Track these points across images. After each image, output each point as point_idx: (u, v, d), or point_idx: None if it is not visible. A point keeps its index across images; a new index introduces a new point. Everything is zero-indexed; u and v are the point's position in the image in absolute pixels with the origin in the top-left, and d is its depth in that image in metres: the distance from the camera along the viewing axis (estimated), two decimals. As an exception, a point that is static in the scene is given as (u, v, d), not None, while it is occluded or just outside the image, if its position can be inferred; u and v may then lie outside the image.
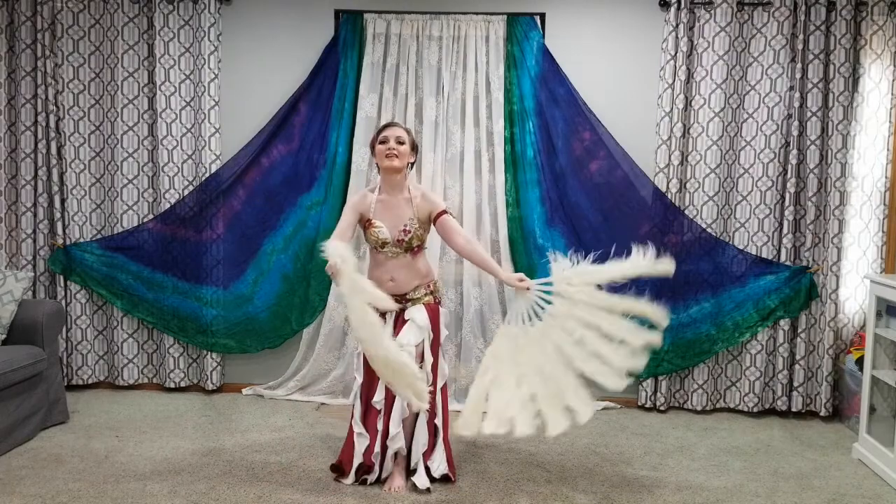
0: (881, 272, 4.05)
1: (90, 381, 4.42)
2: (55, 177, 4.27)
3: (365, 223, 3.18)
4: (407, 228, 3.12)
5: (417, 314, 3.13)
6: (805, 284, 4.08)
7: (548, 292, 3.01)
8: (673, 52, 4.06)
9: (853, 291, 4.14)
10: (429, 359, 3.11)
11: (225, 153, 4.30)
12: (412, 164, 3.26)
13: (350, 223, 3.17)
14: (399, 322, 3.14)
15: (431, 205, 3.17)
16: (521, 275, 3.15)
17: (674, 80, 4.07)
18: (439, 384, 3.20)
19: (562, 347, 2.91)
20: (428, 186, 4.22)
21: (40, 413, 3.68)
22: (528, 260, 4.20)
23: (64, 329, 4.28)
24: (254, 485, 3.15)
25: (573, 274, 2.96)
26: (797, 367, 4.14)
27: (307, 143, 4.25)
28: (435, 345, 3.18)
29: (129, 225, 4.32)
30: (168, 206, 4.27)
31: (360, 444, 3.15)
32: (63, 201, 4.31)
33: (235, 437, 3.69)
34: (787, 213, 4.06)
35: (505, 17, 4.16)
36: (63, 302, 4.30)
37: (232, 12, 4.29)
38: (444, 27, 4.18)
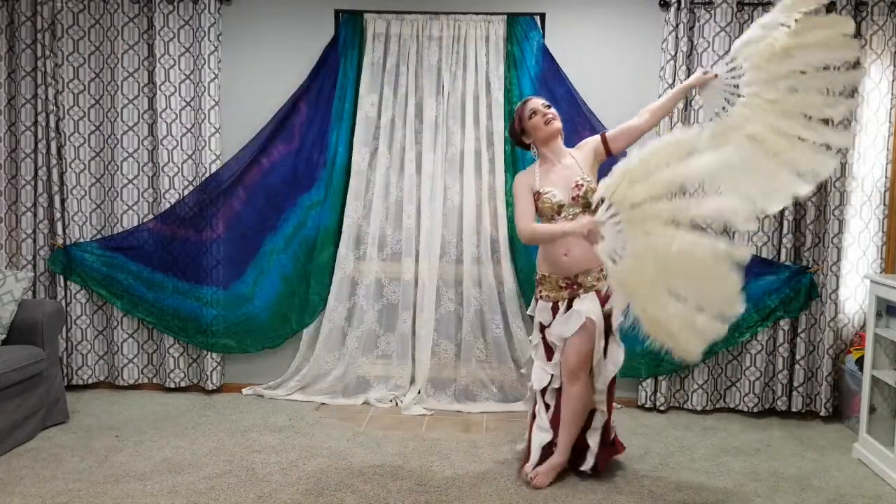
0: (881, 272, 4.05)
1: (90, 381, 4.42)
2: (55, 177, 4.27)
3: (535, 197, 3.14)
4: (580, 183, 3.07)
5: (586, 304, 3.06)
6: (805, 284, 4.08)
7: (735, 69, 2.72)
8: (673, 52, 4.06)
9: (853, 291, 4.14)
10: (598, 352, 3.07)
11: (225, 153, 4.30)
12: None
13: (530, 201, 3.14)
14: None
15: (589, 145, 3.17)
16: (703, 68, 3.01)
17: (674, 81, 4.06)
18: (608, 373, 3.15)
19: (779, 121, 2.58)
20: (428, 186, 4.22)
21: (40, 413, 3.67)
22: (527, 260, 4.20)
23: (64, 329, 4.28)
24: (254, 485, 3.15)
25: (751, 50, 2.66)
26: (797, 367, 4.14)
27: (307, 143, 4.25)
28: (606, 335, 3.10)
29: (129, 225, 4.32)
30: (168, 206, 4.27)
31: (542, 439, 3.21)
32: (63, 201, 4.31)
33: (235, 437, 3.69)
34: (787, 213, 4.06)
35: (505, 17, 4.16)
36: (63, 302, 4.30)
37: (232, 12, 4.29)
38: (444, 27, 4.18)
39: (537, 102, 3.19)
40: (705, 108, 2.90)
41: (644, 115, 3.13)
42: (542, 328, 3.21)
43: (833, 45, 2.57)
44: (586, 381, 3.12)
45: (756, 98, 2.65)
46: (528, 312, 3.39)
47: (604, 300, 3.10)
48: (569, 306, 3.12)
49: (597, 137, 3.20)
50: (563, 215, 3.08)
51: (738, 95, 2.72)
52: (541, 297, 3.21)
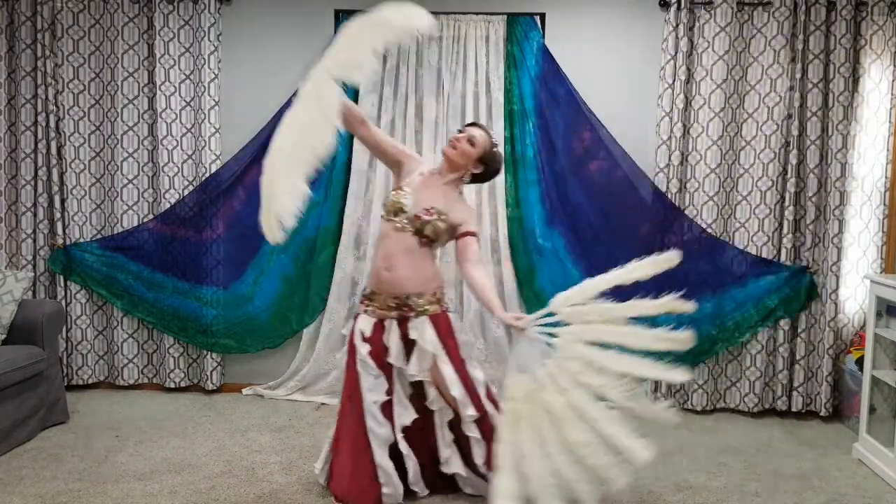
0: (881, 272, 4.05)
1: (90, 381, 4.42)
2: (55, 177, 4.26)
3: (395, 182, 3.00)
4: (432, 212, 2.85)
5: (424, 333, 2.86)
6: (805, 284, 4.08)
7: (550, 324, 2.66)
8: (673, 52, 4.06)
9: (853, 291, 4.14)
10: (451, 376, 2.84)
11: (225, 153, 4.29)
12: (476, 177, 3.03)
13: (392, 143, 3.06)
14: (405, 339, 2.89)
15: (465, 218, 2.94)
16: (518, 314, 2.93)
17: (674, 80, 4.06)
18: (481, 393, 2.92)
19: (581, 382, 2.56)
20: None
21: (40, 413, 3.67)
22: (527, 260, 4.20)
23: (64, 329, 4.28)
24: (254, 485, 3.15)
25: (573, 293, 2.67)
26: (797, 367, 4.14)
27: (307, 143, 4.24)
28: (455, 356, 2.90)
29: (129, 225, 4.32)
30: (168, 206, 4.27)
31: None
32: (63, 201, 4.31)
33: (235, 437, 3.69)
34: (787, 213, 4.06)
35: (505, 17, 4.16)
36: (63, 302, 4.29)
37: (232, 12, 4.29)
38: (444, 27, 4.17)
39: (473, 132, 2.96)
40: (512, 357, 2.76)
41: (481, 279, 2.88)
42: (363, 339, 2.90)
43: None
44: None
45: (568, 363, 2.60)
46: (342, 331, 3.10)
47: (441, 324, 2.90)
48: (401, 331, 2.88)
49: (471, 225, 2.95)
50: (396, 219, 2.87)
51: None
52: (365, 311, 2.94)
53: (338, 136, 4.17)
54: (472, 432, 2.89)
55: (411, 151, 3.16)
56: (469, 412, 2.87)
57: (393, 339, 2.88)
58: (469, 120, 4.17)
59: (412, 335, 2.86)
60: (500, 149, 3.18)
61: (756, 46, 4.07)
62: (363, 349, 2.88)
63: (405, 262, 2.86)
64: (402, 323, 2.89)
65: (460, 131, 3.01)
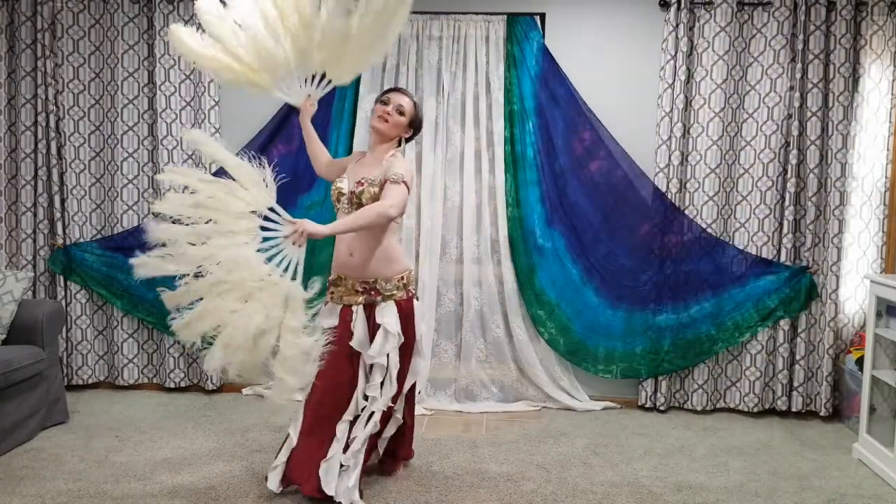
0: (881, 272, 4.05)
1: (90, 381, 4.42)
2: (55, 177, 4.26)
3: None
4: (362, 182, 2.87)
5: (388, 318, 2.89)
6: (805, 284, 4.08)
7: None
8: (673, 52, 4.06)
9: (853, 291, 4.14)
10: (395, 365, 2.90)
11: (225, 153, 4.29)
12: (407, 139, 3.06)
13: (332, 162, 3.17)
14: (371, 322, 2.90)
15: (390, 169, 2.86)
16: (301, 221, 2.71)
17: (674, 80, 4.06)
18: (406, 384, 3.04)
19: None
20: (428, 186, 4.22)
21: (40, 413, 3.67)
22: (527, 260, 4.20)
23: (64, 329, 4.28)
24: (254, 485, 3.15)
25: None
26: (797, 367, 4.14)
27: (307, 143, 4.24)
28: (407, 348, 2.95)
29: (129, 225, 4.32)
30: (168, 206, 4.26)
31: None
32: (63, 201, 4.31)
33: (235, 437, 3.69)
34: (787, 213, 4.06)
35: (505, 17, 4.16)
36: (63, 302, 4.29)
37: (232, 12, 4.29)
38: (444, 27, 4.17)
39: (398, 99, 2.94)
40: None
41: (361, 211, 2.80)
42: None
43: None
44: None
45: None
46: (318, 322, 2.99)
47: (405, 311, 2.94)
48: (367, 313, 2.90)
49: (396, 174, 2.83)
50: (340, 205, 2.94)
51: None
52: (331, 298, 2.97)
53: (338, 137, 4.23)
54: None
55: (347, 158, 3.22)
56: (371, 392, 2.90)
57: (359, 323, 2.89)
58: (468, 119, 4.17)
59: (378, 318, 2.89)
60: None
61: (756, 46, 4.07)
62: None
63: (364, 244, 2.88)
64: (369, 307, 2.91)
65: (384, 102, 2.95)
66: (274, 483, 2.97)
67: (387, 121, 2.93)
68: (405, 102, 2.97)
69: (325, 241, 4.25)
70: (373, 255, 2.90)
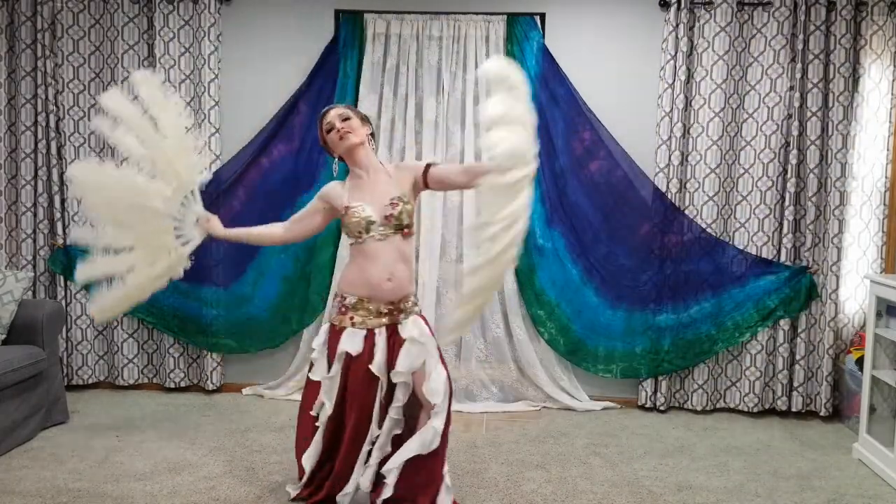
0: (881, 272, 4.05)
1: (90, 381, 4.42)
2: (55, 177, 4.26)
3: (343, 211, 2.79)
4: (395, 202, 2.74)
5: (415, 330, 2.76)
6: (805, 284, 4.08)
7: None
8: (673, 52, 4.06)
9: (853, 291, 4.14)
10: (440, 374, 2.73)
11: (225, 153, 4.29)
12: (372, 135, 2.90)
13: (312, 209, 2.93)
14: (395, 344, 2.76)
15: (411, 170, 2.83)
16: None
17: (674, 80, 4.06)
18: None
19: None
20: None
21: (40, 413, 3.67)
22: (527, 259, 4.20)
23: (64, 329, 4.28)
24: (254, 485, 3.15)
25: None
26: (797, 367, 4.14)
27: (307, 143, 4.24)
28: (441, 357, 2.81)
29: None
30: (168, 206, 4.27)
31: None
32: (63, 201, 4.31)
33: (235, 437, 3.69)
34: (787, 213, 4.06)
35: (505, 17, 4.16)
36: (63, 302, 4.29)
37: (232, 12, 4.29)
38: (444, 27, 4.17)
39: (334, 115, 2.81)
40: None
41: (465, 173, 2.78)
42: (349, 359, 2.75)
43: None
44: None
45: None
46: (313, 345, 2.91)
47: (425, 322, 2.86)
48: (389, 334, 2.77)
49: (420, 165, 2.83)
50: (370, 234, 2.72)
51: None
52: (352, 323, 2.76)
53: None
54: (436, 423, 2.70)
55: (321, 194, 2.95)
56: (435, 399, 2.70)
57: (379, 346, 2.75)
58: (469, 120, 4.17)
59: (404, 334, 2.75)
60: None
61: (756, 46, 4.07)
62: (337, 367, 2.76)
63: (403, 266, 2.78)
64: (391, 328, 2.78)
65: (329, 127, 2.82)
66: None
67: (350, 132, 2.77)
68: (339, 110, 2.84)
69: (325, 242, 4.26)
70: (407, 274, 2.80)
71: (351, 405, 2.75)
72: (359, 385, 2.74)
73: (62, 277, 4.31)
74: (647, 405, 4.23)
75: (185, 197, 2.89)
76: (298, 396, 4.23)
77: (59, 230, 4.30)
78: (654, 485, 3.24)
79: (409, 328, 2.77)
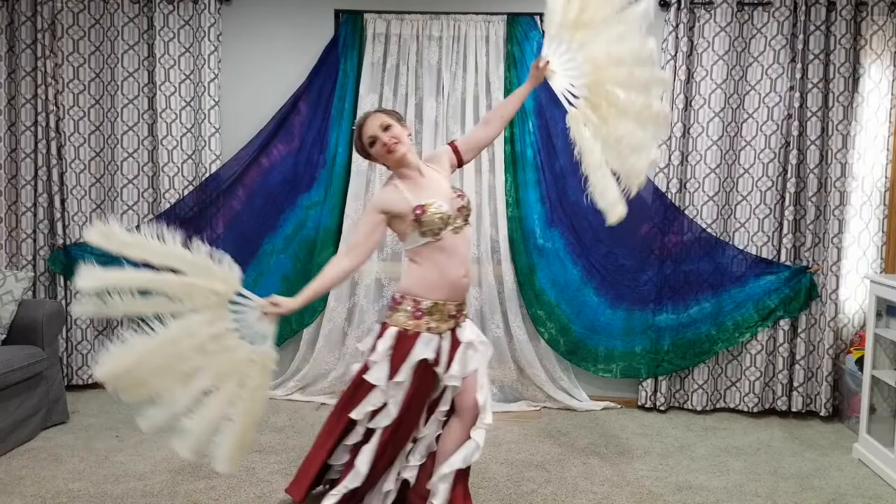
0: (881, 272, 4.05)
1: (90, 381, 4.41)
2: (55, 177, 4.26)
3: (415, 214, 2.57)
4: (458, 192, 2.69)
5: (471, 334, 2.70)
6: (805, 284, 4.08)
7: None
8: (673, 52, 4.06)
9: (853, 291, 4.14)
10: (487, 387, 2.70)
11: (225, 153, 4.30)
12: (410, 135, 2.78)
13: (371, 226, 2.62)
14: (453, 347, 2.66)
15: (444, 155, 2.79)
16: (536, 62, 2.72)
17: (674, 80, 4.06)
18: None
19: None
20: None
21: (40, 413, 3.67)
22: (528, 260, 4.20)
23: (64, 329, 4.28)
24: (254, 485, 3.15)
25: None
26: (797, 367, 4.14)
27: (307, 143, 4.25)
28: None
29: (128, 225, 4.32)
30: (168, 206, 4.27)
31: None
32: (63, 201, 4.31)
33: (235, 437, 3.69)
34: (787, 213, 4.06)
35: (505, 17, 4.16)
36: (63, 302, 4.29)
37: (232, 12, 4.29)
38: (444, 27, 4.17)
39: (375, 127, 2.63)
40: (559, 90, 2.78)
41: (494, 122, 2.81)
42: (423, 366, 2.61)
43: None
44: None
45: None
46: (363, 347, 2.76)
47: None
48: (452, 339, 2.69)
49: (447, 148, 2.81)
50: (449, 228, 2.61)
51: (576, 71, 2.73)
52: (428, 329, 2.61)
53: (338, 137, 4.24)
54: (478, 437, 2.70)
55: (375, 202, 2.70)
56: (488, 419, 2.71)
57: (444, 350, 2.66)
58: (468, 119, 4.17)
59: (462, 337, 2.69)
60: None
61: (756, 46, 4.07)
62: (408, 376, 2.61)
63: (470, 261, 2.73)
64: (452, 331, 2.70)
65: (374, 140, 2.65)
66: None
67: (397, 142, 2.62)
68: (382, 119, 2.67)
69: (325, 242, 4.26)
70: (473, 271, 2.78)
71: (407, 407, 2.65)
72: (423, 389, 2.65)
73: (62, 277, 4.31)
74: (647, 405, 4.23)
75: (233, 304, 2.51)
76: (298, 396, 4.28)
77: (59, 230, 4.29)
78: (654, 485, 3.24)
79: (468, 332, 2.73)
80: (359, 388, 2.68)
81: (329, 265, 2.67)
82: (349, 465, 2.68)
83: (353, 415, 2.65)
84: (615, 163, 2.72)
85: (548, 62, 2.72)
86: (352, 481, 2.65)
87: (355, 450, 2.68)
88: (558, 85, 2.76)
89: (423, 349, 2.61)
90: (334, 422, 2.75)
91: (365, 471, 2.65)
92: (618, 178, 2.73)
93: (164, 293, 2.40)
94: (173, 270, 2.41)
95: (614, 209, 2.71)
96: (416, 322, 2.62)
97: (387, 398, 2.62)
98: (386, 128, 2.63)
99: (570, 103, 2.74)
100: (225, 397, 2.46)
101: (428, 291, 2.62)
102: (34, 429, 3.63)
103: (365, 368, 2.66)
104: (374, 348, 2.66)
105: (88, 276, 2.32)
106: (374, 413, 2.63)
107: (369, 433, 2.66)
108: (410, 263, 2.68)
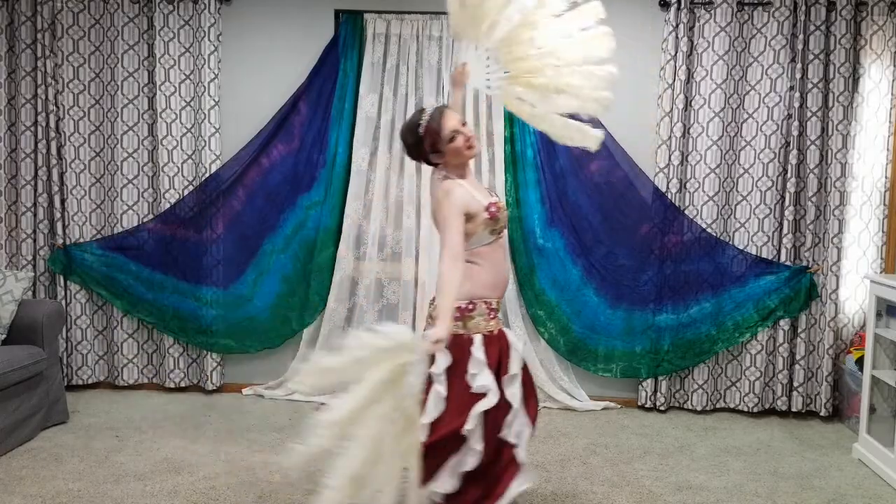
0: (881, 272, 4.05)
1: (90, 381, 4.41)
2: (55, 177, 4.26)
3: (490, 212, 2.50)
4: (495, 194, 2.80)
5: (513, 335, 2.64)
6: (805, 284, 4.08)
7: None
8: (673, 52, 4.06)
9: (853, 291, 4.14)
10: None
11: (225, 153, 4.29)
12: None
13: (461, 226, 2.46)
14: (504, 348, 2.57)
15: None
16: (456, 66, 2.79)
17: (674, 80, 4.06)
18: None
19: None
20: (428, 186, 4.21)
21: (40, 413, 3.67)
22: (528, 260, 4.20)
23: (64, 329, 4.27)
24: (254, 485, 3.15)
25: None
26: (797, 367, 4.14)
27: (307, 143, 4.25)
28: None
29: (129, 225, 4.32)
30: (168, 206, 4.27)
31: None
32: (63, 201, 4.31)
33: (235, 437, 3.69)
34: (787, 213, 4.06)
35: (505, 17, 4.15)
36: (63, 302, 4.29)
37: (232, 12, 4.29)
38: (444, 27, 4.17)
39: (456, 120, 2.57)
40: (479, 87, 2.85)
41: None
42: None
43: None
44: None
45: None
46: (437, 371, 2.47)
47: None
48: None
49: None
50: (503, 233, 2.62)
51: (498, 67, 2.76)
52: (480, 331, 2.51)
53: (338, 137, 4.24)
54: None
55: (456, 203, 2.49)
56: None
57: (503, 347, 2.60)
58: (469, 120, 4.17)
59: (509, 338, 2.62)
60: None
61: (756, 46, 4.07)
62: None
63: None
64: (500, 334, 2.61)
65: (452, 139, 2.56)
66: None
67: (473, 147, 2.60)
68: (458, 116, 2.65)
69: (325, 243, 4.26)
70: None
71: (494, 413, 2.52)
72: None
73: (62, 277, 4.31)
74: (647, 405, 4.23)
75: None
76: (298, 396, 4.27)
77: (59, 230, 4.29)
78: (654, 485, 3.24)
79: (509, 333, 2.65)
80: (465, 401, 2.47)
81: (446, 279, 2.42)
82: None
83: (467, 425, 2.44)
84: (573, 103, 2.87)
85: (465, 64, 2.77)
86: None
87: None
88: (479, 82, 2.78)
89: (515, 339, 2.61)
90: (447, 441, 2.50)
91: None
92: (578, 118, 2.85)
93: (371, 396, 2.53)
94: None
95: (587, 138, 2.80)
96: (495, 322, 2.57)
97: (492, 391, 2.47)
98: (463, 124, 2.60)
99: (490, 87, 2.76)
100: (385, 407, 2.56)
101: (492, 291, 2.56)
102: (34, 429, 3.63)
103: (461, 385, 2.47)
104: (465, 362, 2.49)
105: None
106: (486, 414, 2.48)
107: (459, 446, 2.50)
108: (472, 266, 2.51)
